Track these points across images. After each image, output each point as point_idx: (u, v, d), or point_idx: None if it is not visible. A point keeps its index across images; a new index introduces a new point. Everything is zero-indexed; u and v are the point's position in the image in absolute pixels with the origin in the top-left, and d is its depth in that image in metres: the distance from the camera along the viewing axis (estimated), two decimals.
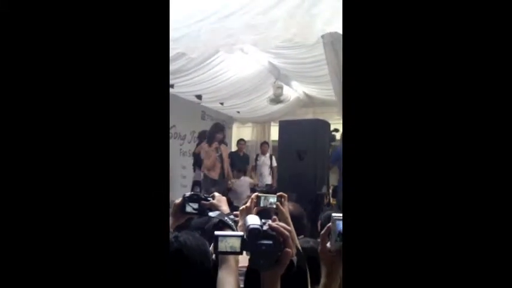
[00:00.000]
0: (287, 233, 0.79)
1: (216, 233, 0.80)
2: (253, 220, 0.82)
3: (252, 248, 0.78)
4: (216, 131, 5.25)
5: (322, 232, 0.87)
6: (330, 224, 0.84)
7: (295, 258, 0.83)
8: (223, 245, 0.79)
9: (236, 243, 0.79)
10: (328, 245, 0.86)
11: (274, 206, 1.57)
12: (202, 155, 5.18)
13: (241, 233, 0.80)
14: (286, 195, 1.65)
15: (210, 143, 5.15)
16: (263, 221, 0.81)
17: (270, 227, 0.79)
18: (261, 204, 1.55)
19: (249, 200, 1.52)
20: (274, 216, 0.87)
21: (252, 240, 0.78)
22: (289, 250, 0.78)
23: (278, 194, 1.62)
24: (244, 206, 1.47)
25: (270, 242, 0.77)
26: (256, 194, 1.56)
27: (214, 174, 5.25)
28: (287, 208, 1.62)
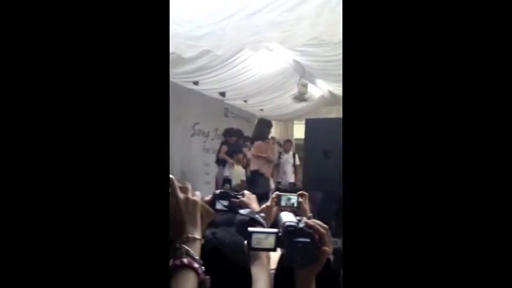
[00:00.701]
0: (324, 230, 0.77)
1: (250, 229, 0.79)
2: (289, 217, 0.81)
3: (288, 246, 0.76)
4: (266, 126, 5.16)
5: None
6: None
7: (332, 257, 0.81)
8: (257, 242, 0.77)
9: (271, 240, 0.77)
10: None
11: (296, 205, 1.55)
12: (261, 152, 5.05)
13: (275, 230, 0.78)
14: (307, 193, 1.63)
15: (263, 139, 5.05)
16: (298, 218, 0.80)
17: (307, 224, 0.77)
18: (282, 203, 1.52)
19: (270, 199, 1.50)
20: (310, 214, 0.85)
21: (288, 237, 0.76)
22: (326, 248, 0.76)
23: (299, 192, 1.60)
24: (264, 205, 1.45)
25: (307, 239, 0.76)
26: (277, 193, 1.54)
27: (268, 173, 5.11)
28: (308, 207, 1.60)
